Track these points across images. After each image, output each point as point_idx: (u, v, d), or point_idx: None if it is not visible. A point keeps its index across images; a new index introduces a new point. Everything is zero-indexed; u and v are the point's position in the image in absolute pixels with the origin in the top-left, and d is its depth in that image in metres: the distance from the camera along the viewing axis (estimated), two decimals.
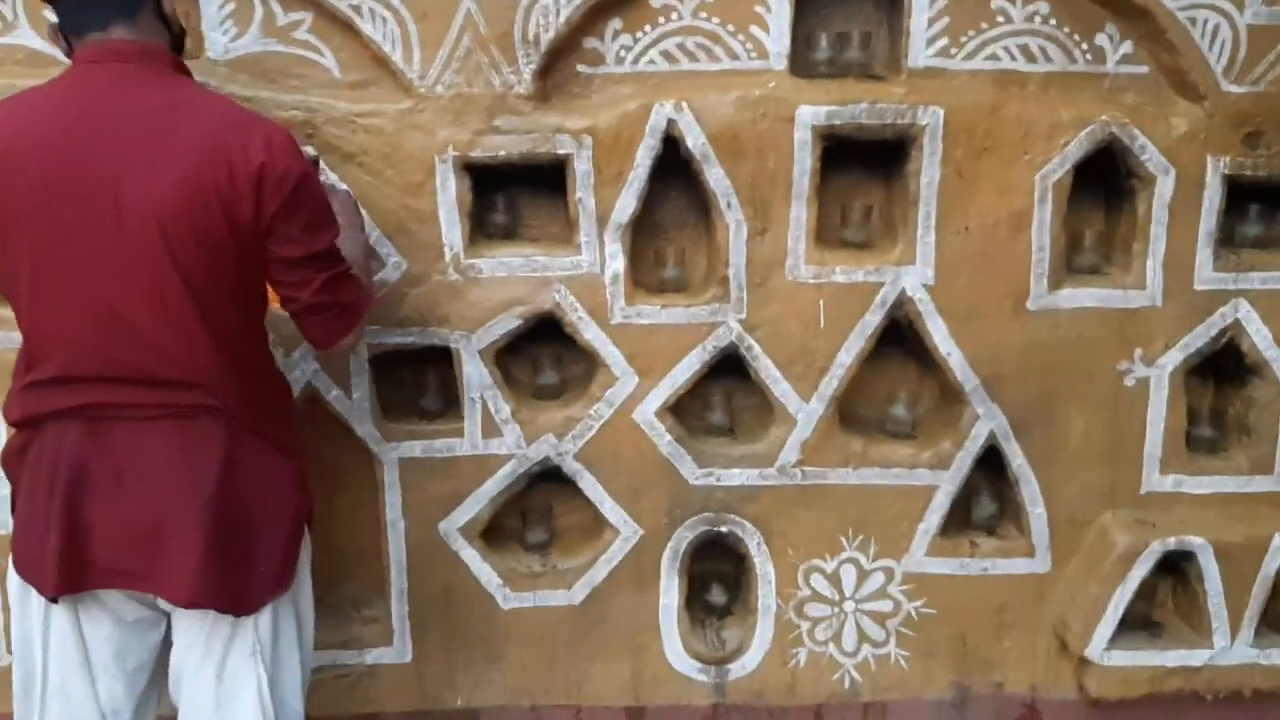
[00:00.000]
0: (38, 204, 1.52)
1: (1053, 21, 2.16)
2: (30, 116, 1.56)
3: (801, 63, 2.20)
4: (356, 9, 2.06)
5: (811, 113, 2.14)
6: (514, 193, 2.27)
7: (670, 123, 2.14)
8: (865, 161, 2.29)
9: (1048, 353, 2.28)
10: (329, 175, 2.10)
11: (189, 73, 1.72)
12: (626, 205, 2.18)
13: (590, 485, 2.31)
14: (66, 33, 1.61)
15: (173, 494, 1.61)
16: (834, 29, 2.22)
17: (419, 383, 2.34)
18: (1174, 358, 2.29)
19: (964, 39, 2.15)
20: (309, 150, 2.06)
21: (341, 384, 2.22)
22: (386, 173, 2.13)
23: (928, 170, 2.18)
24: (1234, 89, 2.16)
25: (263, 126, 1.61)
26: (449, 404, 2.31)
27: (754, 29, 2.14)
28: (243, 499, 1.66)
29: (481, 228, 2.24)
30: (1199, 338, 2.29)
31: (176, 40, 1.72)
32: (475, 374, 2.23)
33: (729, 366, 2.32)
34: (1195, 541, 2.32)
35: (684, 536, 2.34)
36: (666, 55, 2.16)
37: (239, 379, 1.66)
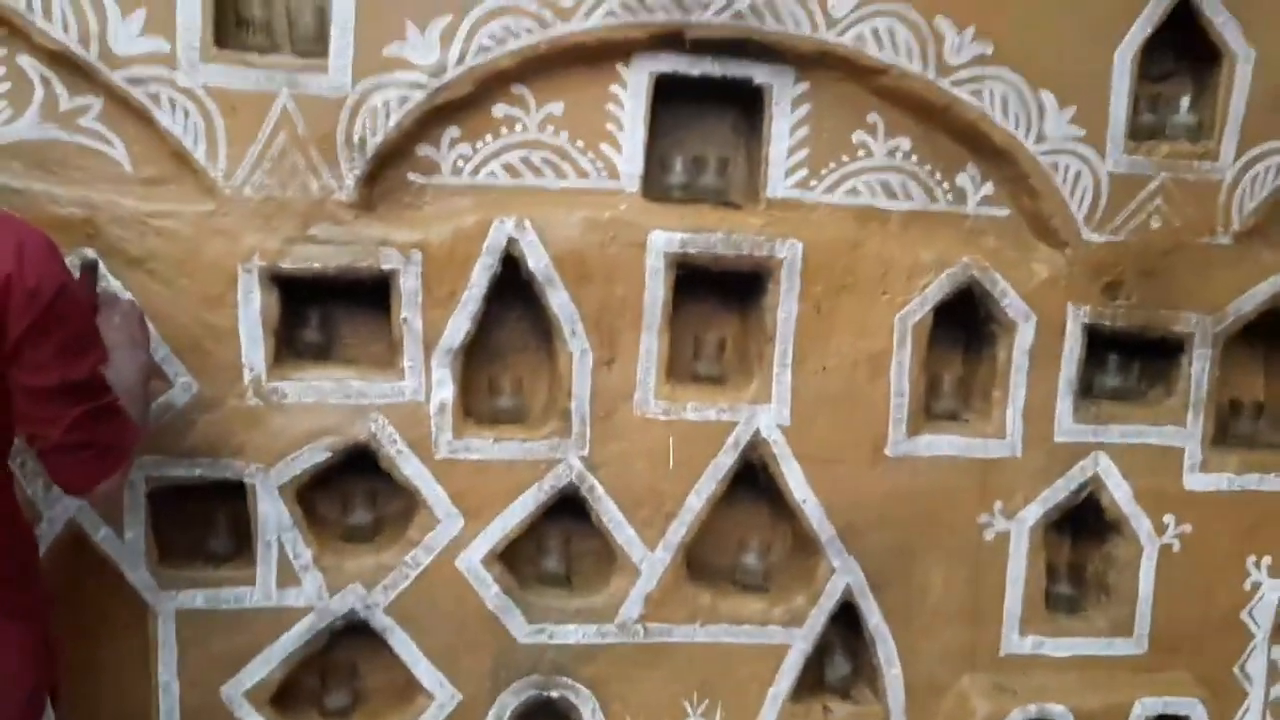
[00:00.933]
0: None
1: (914, 158, 2.07)
2: None
3: (655, 185, 2.06)
4: (155, 98, 1.81)
5: (665, 239, 2.00)
6: (330, 309, 2.03)
7: (511, 241, 1.96)
8: (720, 291, 2.14)
9: (906, 502, 2.15)
10: (110, 282, 1.82)
11: None
12: (459, 328, 1.97)
13: (402, 643, 2.04)
14: None
15: None
16: (689, 152, 2.09)
17: (206, 522, 2.04)
18: (1034, 511, 2.19)
19: (824, 171, 2.05)
20: (87, 253, 1.80)
21: (113, 523, 1.92)
22: (180, 282, 1.87)
23: (785, 305, 2.05)
24: (1095, 237, 2.11)
25: (14, 230, 1.36)
26: (241, 547, 2.02)
27: (605, 147, 1.99)
28: None
29: (291, 347, 1.99)
30: (1059, 491, 2.19)
31: None
32: (272, 513, 1.95)
33: (568, 508, 2.10)
34: (1055, 710, 2.19)
35: (508, 703, 2.09)
36: (509, 168, 1.98)
37: None
